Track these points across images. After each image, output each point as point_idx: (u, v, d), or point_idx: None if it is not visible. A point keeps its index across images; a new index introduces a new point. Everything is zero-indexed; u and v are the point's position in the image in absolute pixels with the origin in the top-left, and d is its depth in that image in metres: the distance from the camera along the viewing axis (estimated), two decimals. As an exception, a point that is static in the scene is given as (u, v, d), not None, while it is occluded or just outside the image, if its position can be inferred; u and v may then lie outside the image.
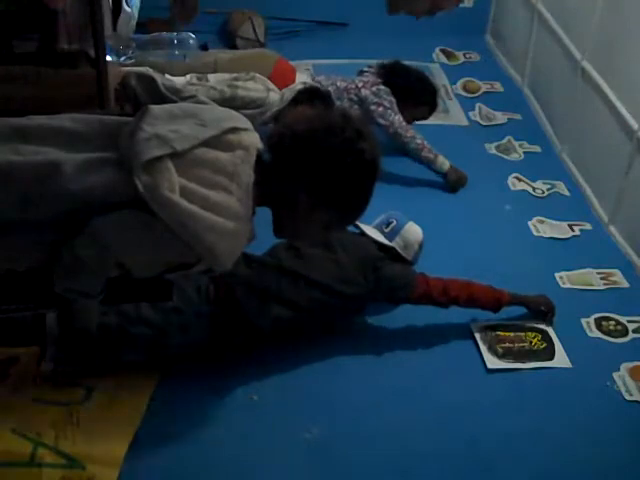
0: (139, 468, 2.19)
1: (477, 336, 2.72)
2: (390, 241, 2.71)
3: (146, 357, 2.43)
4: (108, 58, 2.82)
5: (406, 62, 3.74)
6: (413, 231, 2.76)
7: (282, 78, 3.53)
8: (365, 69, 3.72)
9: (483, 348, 2.68)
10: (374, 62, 3.73)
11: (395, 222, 2.76)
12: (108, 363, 2.41)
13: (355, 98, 3.53)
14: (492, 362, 2.64)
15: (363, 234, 2.71)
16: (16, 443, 2.17)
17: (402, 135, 3.46)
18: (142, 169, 1.79)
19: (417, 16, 2.84)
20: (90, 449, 2.19)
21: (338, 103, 3.45)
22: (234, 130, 1.95)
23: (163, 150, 1.82)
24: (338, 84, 3.55)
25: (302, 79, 3.61)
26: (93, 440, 2.21)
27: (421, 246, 2.77)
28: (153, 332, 2.37)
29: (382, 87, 3.54)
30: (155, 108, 1.95)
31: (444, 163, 3.51)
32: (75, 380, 2.37)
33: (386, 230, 2.73)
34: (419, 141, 3.46)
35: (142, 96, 2.12)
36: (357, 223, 2.66)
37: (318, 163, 1.89)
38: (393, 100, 3.52)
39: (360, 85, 3.54)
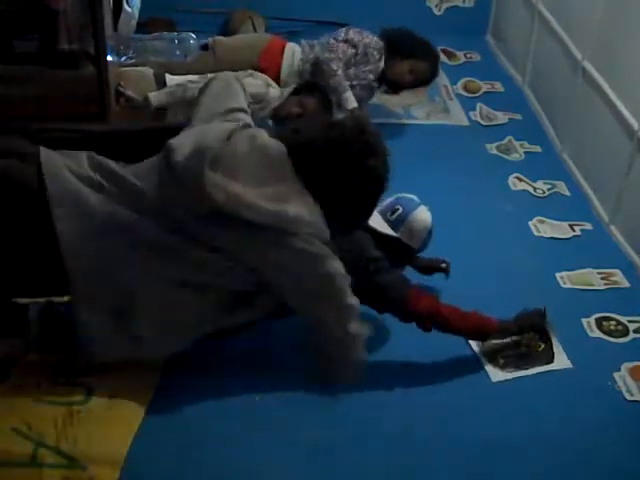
0: (140, 468, 2.18)
1: (475, 348, 2.70)
2: (395, 230, 2.57)
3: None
4: (109, 58, 2.82)
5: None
6: (420, 219, 2.61)
7: (271, 52, 3.60)
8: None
9: (483, 360, 2.64)
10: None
11: (401, 209, 2.59)
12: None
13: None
14: (495, 375, 2.60)
15: (365, 227, 2.53)
16: (17, 443, 2.17)
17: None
18: None
19: None
20: (91, 449, 2.18)
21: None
22: None
23: None
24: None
25: (293, 49, 3.64)
26: (94, 440, 2.21)
27: (430, 232, 2.65)
28: None
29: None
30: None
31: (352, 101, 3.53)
32: (75, 380, 2.37)
33: (391, 218, 2.58)
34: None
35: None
36: None
37: (328, 174, 1.89)
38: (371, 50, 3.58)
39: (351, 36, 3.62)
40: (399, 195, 2.63)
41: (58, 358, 2.37)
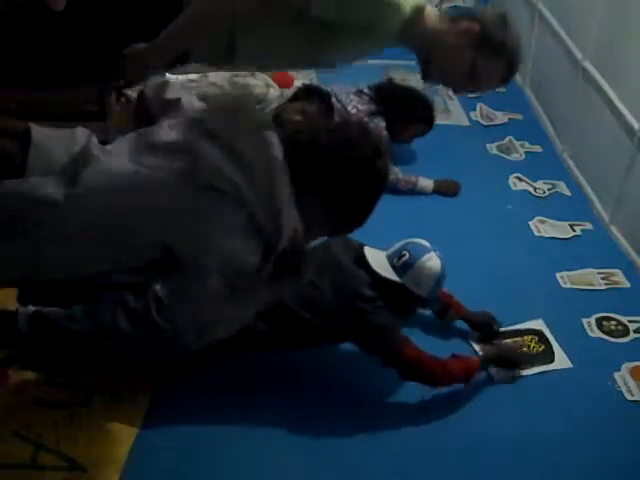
0: (140, 470, 2.19)
1: (477, 348, 2.71)
2: (401, 276, 2.43)
3: (120, 366, 2.35)
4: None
5: (407, 61, 3.73)
6: (427, 267, 2.46)
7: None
8: (365, 90, 3.67)
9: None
10: (373, 82, 3.69)
11: (407, 255, 2.45)
12: (77, 370, 2.36)
13: None
14: (496, 374, 2.60)
15: (367, 267, 2.45)
16: (17, 445, 2.17)
17: None
18: None
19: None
20: (91, 451, 2.19)
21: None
22: None
23: None
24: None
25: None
26: (94, 443, 2.21)
27: (439, 281, 2.50)
28: (130, 346, 2.23)
29: (375, 120, 3.52)
30: None
31: (427, 185, 3.51)
32: (75, 382, 2.37)
33: (397, 264, 2.44)
34: (392, 176, 3.38)
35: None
36: (366, 254, 2.48)
37: (332, 173, 1.89)
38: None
39: (353, 112, 3.50)
40: (409, 240, 2.52)
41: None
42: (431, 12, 2.42)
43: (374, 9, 2.26)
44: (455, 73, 2.52)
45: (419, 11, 2.39)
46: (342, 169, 1.89)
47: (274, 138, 1.86)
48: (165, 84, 2.15)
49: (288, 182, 1.86)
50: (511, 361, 2.63)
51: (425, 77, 2.68)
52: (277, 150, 1.86)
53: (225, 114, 1.90)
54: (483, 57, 2.46)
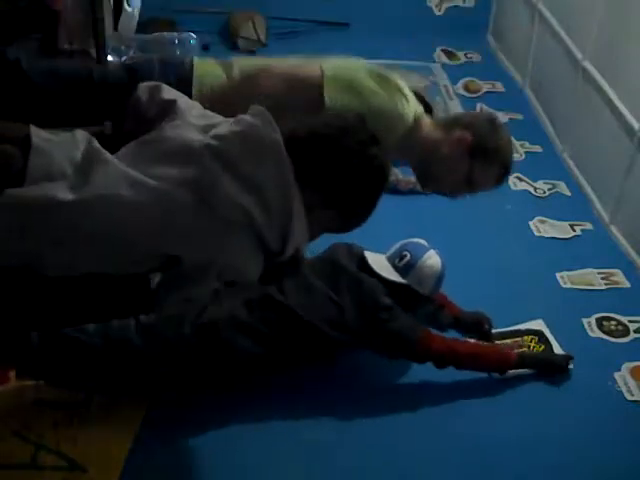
0: (140, 470, 2.18)
1: None
2: (404, 277, 2.46)
3: (125, 381, 2.36)
4: (109, 58, 2.83)
5: (407, 61, 3.74)
6: (429, 266, 2.48)
7: None
8: None
9: None
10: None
11: (409, 256, 2.47)
12: (86, 383, 2.36)
13: None
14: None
15: (373, 273, 2.47)
16: (17, 445, 2.17)
17: None
18: None
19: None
20: (91, 452, 2.18)
21: None
22: None
23: None
24: None
25: None
26: (94, 443, 2.21)
27: (440, 279, 2.53)
28: (139, 360, 2.29)
29: None
30: None
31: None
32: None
33: (399, 265, 2.47)
34: (392, 177, 3.36)
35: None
36: (367, 259, 2.50)
37: (328, 161, 1.89)
38: None
39: None
40: (407, 240, 2.54)
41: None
42: (426, 120, 2.47)
43: (380, 119, 2.30)
44: (452, 181, 2.60)
45: (417, 118, 2.44)
46: (339, 157, 1.89)
47: (286, 156, 1.87)
48: (159, 86, 2.15)
49: (299, 194, 1.86)
50: (555, 367, 2.63)
51: (422, 185, 2.78)
52: (289, 167, 1.86)
53: (239, 136, 1.89)
54: (478, 165, 2.55)
